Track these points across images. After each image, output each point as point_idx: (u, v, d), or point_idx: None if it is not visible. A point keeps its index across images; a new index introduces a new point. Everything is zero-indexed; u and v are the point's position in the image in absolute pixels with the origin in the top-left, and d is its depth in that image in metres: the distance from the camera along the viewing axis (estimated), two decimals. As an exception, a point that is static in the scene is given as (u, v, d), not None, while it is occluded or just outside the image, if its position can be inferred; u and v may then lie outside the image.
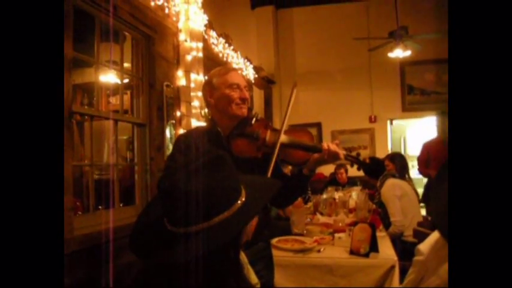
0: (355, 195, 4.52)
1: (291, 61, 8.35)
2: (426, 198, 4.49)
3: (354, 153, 2.06)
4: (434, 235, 1.62)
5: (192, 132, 2.22)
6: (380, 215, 3.99)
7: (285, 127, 1.98)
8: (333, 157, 1.94)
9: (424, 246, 1.62)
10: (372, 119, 7.81)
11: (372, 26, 7.53)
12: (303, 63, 8.31)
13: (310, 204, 4.61)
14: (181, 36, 3.84)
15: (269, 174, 1.82)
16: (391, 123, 7.94)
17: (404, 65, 7.59)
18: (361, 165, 2.05)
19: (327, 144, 1.96)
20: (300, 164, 2.01)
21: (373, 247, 2.62)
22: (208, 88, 2.04)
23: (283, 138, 1.95)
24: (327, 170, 6.93)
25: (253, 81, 6.67)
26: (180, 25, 3.84)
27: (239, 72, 2.13)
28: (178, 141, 2.09)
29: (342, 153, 1.94)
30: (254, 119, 2.01)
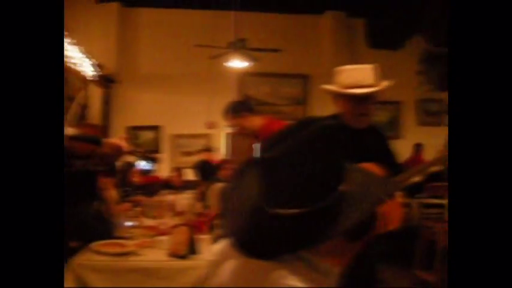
0: (184, 198, 4.60)
1: (134, 61, 8.18)
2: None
3: (142, 150, 2.16)
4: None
5: None
6: (208, 218, 4.10)
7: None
8: (115, 150, 2.01)
9: (217, 246, 1.71)
10: (210, 125, 8.00)
11: (215, 35, 7.73)
12: (146, 64, 8.20)
13: (140, 208, 4.56)
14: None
15: None
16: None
17: (242, 76, 7.95)
18: (148, 159, 2.16)
19: (110, 138, 2.04)
20: (86, 157, 2.03)
21: (192, 249, 2.69)
22: None
23: (71, 131, 1.98)
24: (162, 173, 6.93)
25: (91, 79, 6.39)
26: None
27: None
28: None
29: (126, 146, 2.01)
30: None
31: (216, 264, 1.08)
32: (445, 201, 5.60)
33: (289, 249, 0.92)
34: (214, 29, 7.51)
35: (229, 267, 1.00)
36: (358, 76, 2.37)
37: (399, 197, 2.65)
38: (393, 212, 2.06)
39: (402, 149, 3.89)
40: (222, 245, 1.12)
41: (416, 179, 2.44)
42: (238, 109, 3.36)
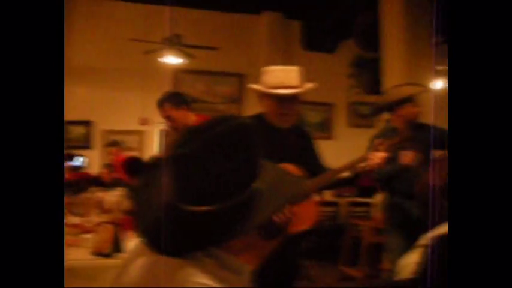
0: (113, 195, 4.49)
1: (65, 53, 7.66)
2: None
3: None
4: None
5: None
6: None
7: None
8: None
9: (131, 243, 1.68)
10: (143, 122, 7.84)
11: (151, 29, 7.57)
12: (78, 57, 7.87)
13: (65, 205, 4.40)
14: None
15: None
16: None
17: (177, 72, 7.86)
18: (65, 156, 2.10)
19: None
20: None
21: (117, 247, 2.64)
22: None
23: None
24: (92, 169, 6.74)
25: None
26: None
27: None
28: None
29: None
30: None
31: (128, 262, 1.07)
32: (371, 200, 5.84)
33: (201, 245, 0.93)
34: (149, 23, 7.37)
35: (139, 264, 0.99)
36: (283, 77, 2.43)
37: (317, 197, 2.75)
38: (307, 212, 2.14)
39: (333, 150, 4.02)
40: (135, 242, 1.11)
41: (345, 175, 2.52)
42: (179, 101, 3.33)
